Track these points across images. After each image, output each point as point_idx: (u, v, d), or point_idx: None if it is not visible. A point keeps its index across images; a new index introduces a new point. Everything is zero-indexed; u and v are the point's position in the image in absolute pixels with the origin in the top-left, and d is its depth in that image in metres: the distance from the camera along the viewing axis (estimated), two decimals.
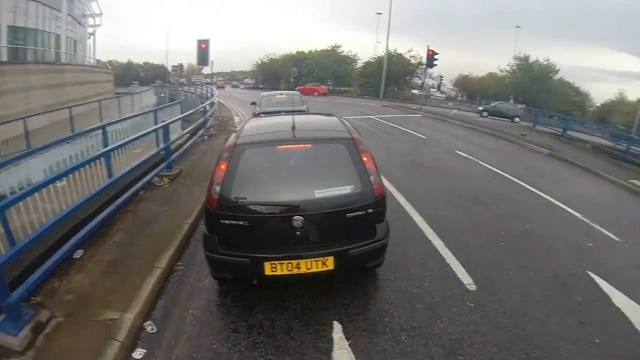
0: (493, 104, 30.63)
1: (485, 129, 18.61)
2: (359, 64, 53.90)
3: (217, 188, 3.22)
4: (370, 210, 3.32)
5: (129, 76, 74.38)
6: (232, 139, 3.63)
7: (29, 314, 3.05)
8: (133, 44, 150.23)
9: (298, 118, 4.08)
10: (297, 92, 14.93)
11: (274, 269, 3.19)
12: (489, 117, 26.77)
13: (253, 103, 13.09)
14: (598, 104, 52.94)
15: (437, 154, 11.25)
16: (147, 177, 6.24)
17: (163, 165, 6.97)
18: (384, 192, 3.48)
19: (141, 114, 9.80)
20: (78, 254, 4.06)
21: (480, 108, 30.19)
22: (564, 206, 7.05)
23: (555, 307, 3.77)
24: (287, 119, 4.04)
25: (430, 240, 5.10)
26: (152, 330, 3.20)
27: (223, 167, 3.27)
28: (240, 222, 3.18)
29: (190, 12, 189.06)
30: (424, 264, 4.46)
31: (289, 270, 3.21)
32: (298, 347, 3.07)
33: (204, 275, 3.95)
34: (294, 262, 3.19)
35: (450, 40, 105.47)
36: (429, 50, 25.62)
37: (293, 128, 3.71)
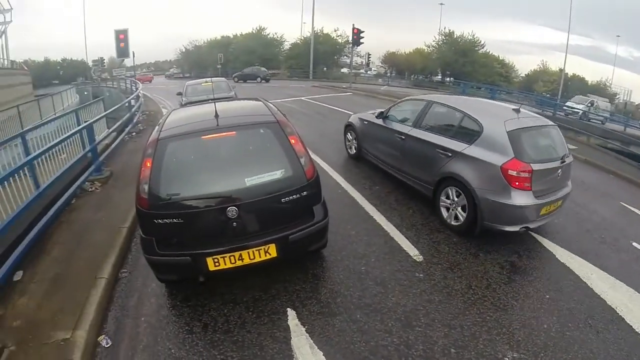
0: (241, 71, 37.09)
1: None
2: (286, 45, 53.54)
3: (145, 187, 3.11)
4: (304, 193, 3.35)
5: (47, 75, 64.59)
6: (154, 134, 3.49)
7: None
8: (50, 40, 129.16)
9: (221, 105, 3.96)
10: (224, 79, 14.69)
11: (217, 264, 3.19)
12: (240, 81, 32.33)
13: (179, 94, 12.70)
14: (523, 75, 54.58)
15: None
16: (77, 183, 5.86)
17: (92, 168, 6.57)
18: (317, 174, 3.51)
19: (59, 117, 8.95)
20: (18, 275, 3.78)
21: (234, 75, 35.18)
22: None
23: None
24: (209, 108, 3.91)
25: (371, 216, 5.19)
26: (107, 344, 3.12)
27: (148, 164, 3.16)
28: (175, 220, 3.10)
29: (108, 2, 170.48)
30: (368, 240, 4.57)
31: (232, 263, 3.21)
32: (256, 340, 3.09)
33: (150, 279, 3.81)
34: (236, 254, 3.19)
35: (376, 17, 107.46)
36: (354, 28, 25.65)
37: (216, 116, 3.59)
